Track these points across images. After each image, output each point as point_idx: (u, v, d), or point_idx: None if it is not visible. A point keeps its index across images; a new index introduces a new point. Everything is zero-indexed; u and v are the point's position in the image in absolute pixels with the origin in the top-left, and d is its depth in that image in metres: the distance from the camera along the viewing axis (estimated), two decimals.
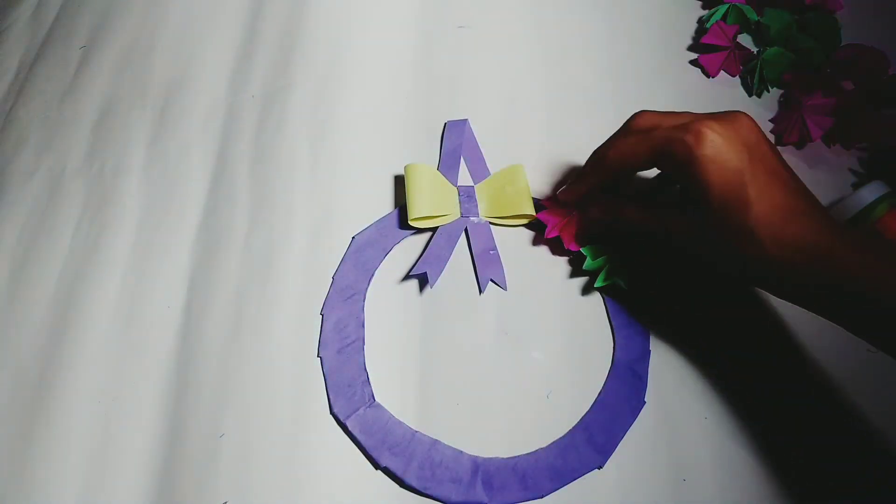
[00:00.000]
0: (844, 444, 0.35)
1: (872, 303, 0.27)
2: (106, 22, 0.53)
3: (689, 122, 0.31)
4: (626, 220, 0.36)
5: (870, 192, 0.36)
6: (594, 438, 0.35)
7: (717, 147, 0.30)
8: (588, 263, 0.38)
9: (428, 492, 0.34)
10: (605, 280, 0.38)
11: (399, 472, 0.34)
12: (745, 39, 0.48)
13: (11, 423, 0.38)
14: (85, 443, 0.37)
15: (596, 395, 0.36)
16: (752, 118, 0.32)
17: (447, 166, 0.43)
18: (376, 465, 0.35)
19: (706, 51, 0.47)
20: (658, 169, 0.35)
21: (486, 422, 0.36)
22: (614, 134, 0.36)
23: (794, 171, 0.42)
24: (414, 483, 0.34)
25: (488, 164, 0.44)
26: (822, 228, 0.29)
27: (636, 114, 0.35)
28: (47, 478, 0.36)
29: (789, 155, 0.43)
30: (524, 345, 0.38)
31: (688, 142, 0.30)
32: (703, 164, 0.30)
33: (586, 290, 0.39)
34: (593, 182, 0.37)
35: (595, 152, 0.37)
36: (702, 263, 0.35)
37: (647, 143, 0.32)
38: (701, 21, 0.49)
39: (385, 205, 0.43)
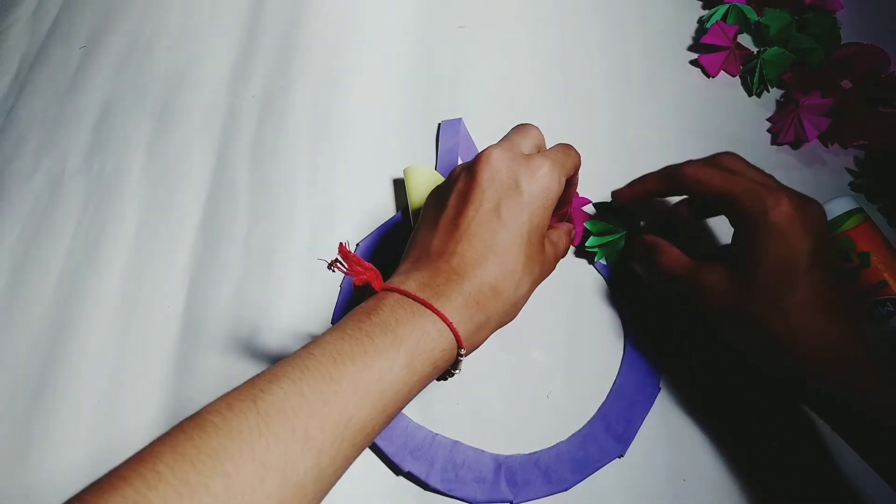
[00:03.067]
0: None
1: (871, 420, 0.28)
2: (106, 22, 0.53)
3: (771, 185, 0.31)
4: (667, 261, 0.35)
5: (838, 206, 0.37)
6: (613, 427, 0.35)
7: (790, 221, 0.30)
8: (591, 241, 0.39)
9: (453, 493, 0.34)
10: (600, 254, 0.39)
11: (423, 476, 0.34)
12: (745, 39, 0.48)
13: (12, 422, 0.38)
14: (85, 443, 0.37)
15: (610, 385, 0.37)
16: (823, 210, 0.32)
17: (445, 166, 0.43)
18: (398, 471, 0.35)
19: (706, 51, 0.47)
20: (721, 212, 0.34)
21: (503, 419, 0.36)
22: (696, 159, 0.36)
23: (790, 170, 0.42)
24: (438, 486, 0.34)
25: None
26: (849, 335, 0.29)
27: (727, 152, 0.34)
28: (48, 477, 0.36)
29: (786, 154, 0.43)
30: (525, 343, 0.38)
31: (766, 202, 0.30)
32: (772, 230, 0.30)
33: (588, 285, 0.40)
34: (656, 188, 0.37)
35: (670, 165, 0.36)
36: (719, 331, 0.34)
37: (726, 181, 0.32)
38: (701, 21, 0.49)
39: (385, 205, 0.43)
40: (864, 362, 0.28)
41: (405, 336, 0.26)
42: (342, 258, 0.28)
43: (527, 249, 0.30)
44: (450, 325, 0.27)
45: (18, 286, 0.42)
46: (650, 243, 0.36)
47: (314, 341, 0.26)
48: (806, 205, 0.31)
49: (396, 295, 0.28)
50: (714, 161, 0.34)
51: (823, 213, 0.31)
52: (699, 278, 0.33)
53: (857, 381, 0.28)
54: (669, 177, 0.35)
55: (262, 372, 0.25)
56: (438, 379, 0.30)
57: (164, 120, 0.48)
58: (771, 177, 0.33)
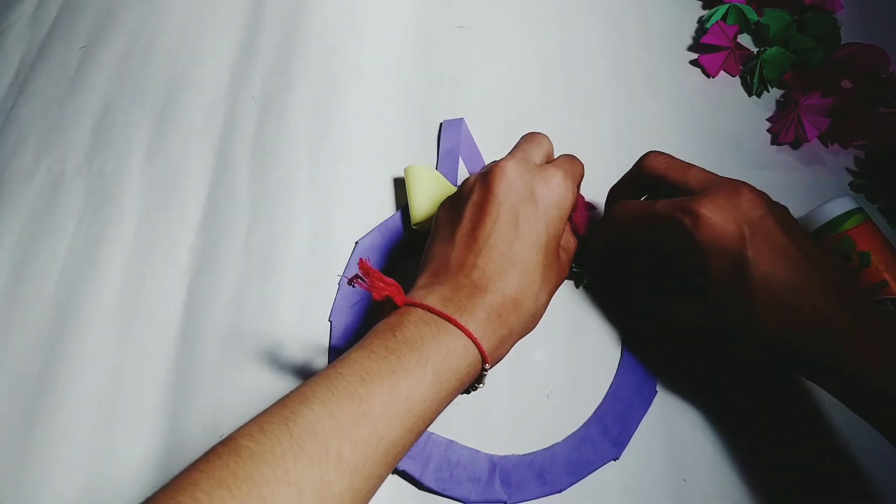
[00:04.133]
0: (849, 445, 0.35)
1: (867, 380, 0.27)
2: (106, 22, 0.53)
3: (687, 203, 0.30)
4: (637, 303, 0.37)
5: (838, 206, 0.37)
6: (609, 430, 0.35)
7: (715, 229, 0.29)
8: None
9: (446, 493, 0.34)
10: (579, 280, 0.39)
11: (417, 475, 0.34)
12: (745, 39, 0.48)
13: (11, 423, 0.38)
14: (85, 443, 0.37)
15: (607, 388, 0.37)
16: (754, 190, 0.30)
17: (445, 166, 0.43)
18: (393, 469, 0.35)
19: (706, 51, 0.47)
20: (657, 246, 0.34)
21: (503, 419, 0.36)
22: (626, 175, 0.36)
23: (790, 170, 0.42)
24: (432, 485, 0.34)
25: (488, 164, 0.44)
26: (824, 302, 0.28)
27: (648, 155, 0.34)
28: (48, 477, 0.36)
29: (786, 154, 0.43)
30: (525, 343, 0.38)
31: (686, 225, 0.30)
32: (703, 249, 0.30)
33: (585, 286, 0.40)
34: (611, 238, 0.37)
35: (609, 196, 0.37)
36: (706, 333, 0.34)
37: (648, 216, 0.32)
38: (701, 21, 0.49)
39: (385, 205, 0.43)
40: (845, 328, 0.27)
41: (431, 354, 0.26)
42: (363, 274, 0.28)
43: (544, 259, 0.31)
44: (474, 340, 0.27)
45: (18, 286, 0.42)
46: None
47: (341, 359, 0.26)
48: (729, 197, 0.30)
49: (420, 311, 0.28)
50: (636, 176, 0.34)
51: (754, 195, 0.30)
52: (671, 318, 0.34)
53: (846, 343, 0.27)
54: (614, 223, 0.35)
55: (292, 392, 0.25)
56: (462, 393, 0.30)
57: (164, 120, 0.48)
58: (695, 168, 0.32)
